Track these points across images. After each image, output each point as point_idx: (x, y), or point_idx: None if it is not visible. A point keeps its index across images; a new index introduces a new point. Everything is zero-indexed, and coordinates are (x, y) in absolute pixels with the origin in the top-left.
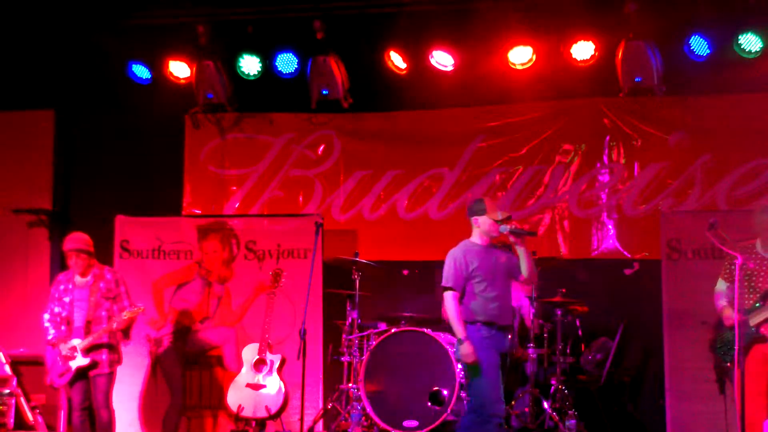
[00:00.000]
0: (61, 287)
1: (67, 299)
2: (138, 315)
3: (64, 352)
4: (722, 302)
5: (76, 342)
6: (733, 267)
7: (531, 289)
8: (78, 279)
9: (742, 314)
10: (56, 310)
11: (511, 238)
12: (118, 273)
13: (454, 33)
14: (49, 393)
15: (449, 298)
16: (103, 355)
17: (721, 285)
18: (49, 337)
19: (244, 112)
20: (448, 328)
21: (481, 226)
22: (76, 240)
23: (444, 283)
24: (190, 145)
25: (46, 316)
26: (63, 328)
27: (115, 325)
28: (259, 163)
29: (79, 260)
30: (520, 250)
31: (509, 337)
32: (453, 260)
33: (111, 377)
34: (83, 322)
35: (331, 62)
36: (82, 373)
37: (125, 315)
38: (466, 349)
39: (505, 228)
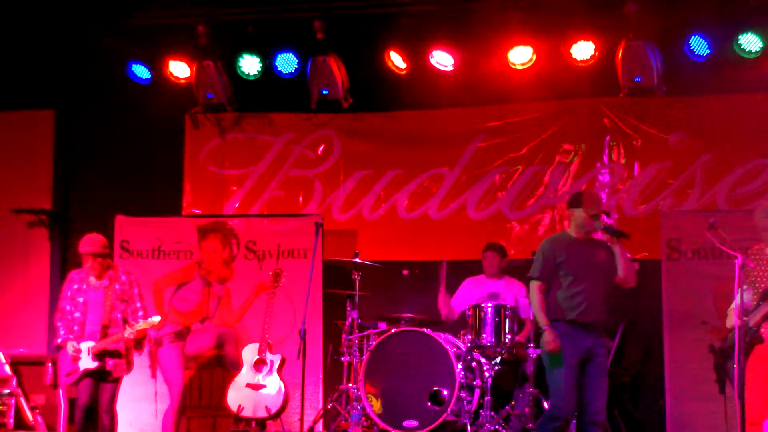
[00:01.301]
0: (75, 286)
1: (80, 299)
2: (152, 327)
3: (72, 352)
4: (732, 305)
5: (89, 344)
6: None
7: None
8: (92, 280)
9: (744, 315)
10: (68, 308)
11: (604, 236)
12: (133, 274)
13: (454, 33)
14: (49, 393)
15: (532, 288)
16: (114, 361)
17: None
18: (59, 340)
19: (244, 112)
20: (448, 328)
21: (575, 220)
22: (93, 243)
23: (529, 273)
24: (190, 145)
25: (58, 315)
26: (76, 328)
27: (127, 335)
28: (259, 163)
29: (95, 264)
30: (615, 249)
31: (596, 336)
32: (540, 251)
33: (118, 383)
34: (99, 325)
35: (331, 62)
36: (88, 375)
37: (141, 325)
38: (546, 336)
39: (598, 224)
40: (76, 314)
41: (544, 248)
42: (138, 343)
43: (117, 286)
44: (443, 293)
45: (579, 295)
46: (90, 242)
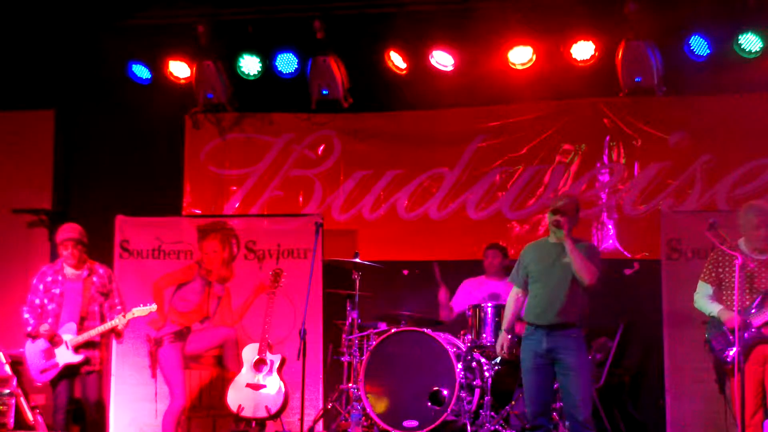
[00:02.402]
0: (48, 279)
1: (56, 291)
2: (146, 315)
3: (44, 332)
4: (714, 306)
5: (67, 337)
6: (720, 269)
7: None
8: (69, 271)
9: (742, 315)
10: (37, 302)
11: (553, 228)
12: (109, 269)
13: (454, 33)
14: (49, 393)
15: (510, 293)
16: (96, 353)
17: (705, 289)
18: (29, 329)
19: (244, 112)
20: (448, 328)
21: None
22: (72, 230)
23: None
24: (190, 145)
25: (26, 308)
26: (50, 320)
27: (121, 326)
28: (259, 163)
29: (75, 251)
30: (566, 243)
31: (557, 337)
32: (520, 257)
33: (101, 375)
34: (76, 316)
35: (331, 62)
36: (68, 370)
37: (136, 312)
38: (498, 340)
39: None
40: (51, 306)
41: (521, 253)
42: (119, 333)
43: (95, 279)
44: (444, 292)
45: (537, 297)
46: (68, 229)
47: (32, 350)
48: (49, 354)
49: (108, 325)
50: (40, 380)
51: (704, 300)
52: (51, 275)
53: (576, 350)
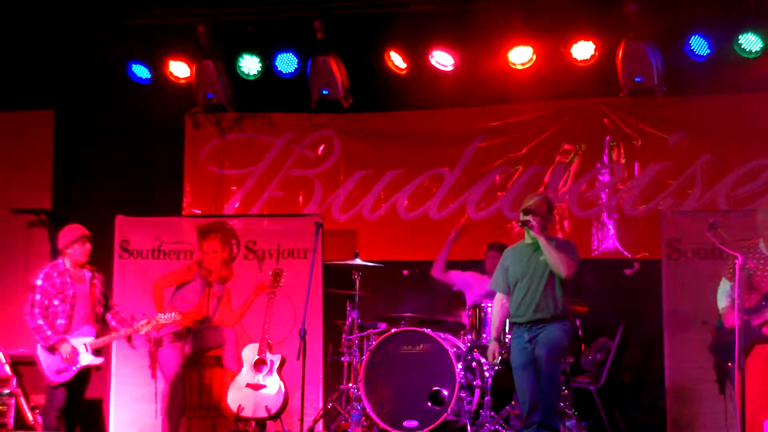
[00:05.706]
0: (58, 280)
1: (70, 292)
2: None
3: (66, 355)
4: (725, 303)
5: (85, 340)
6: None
7: None
8: (74, 272)
9: (744, 314)
10: (47, 302)
11: (525, 228)
12: (100, 272)
13: (454, 33)
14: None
15: (494, 300)
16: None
17: (725, 285)
18: (50, 341)
19: (244, 112)
20: (448, 328)
21: None
22: (82, 227)
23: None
24: (190, 145)
25: (36, 311)
26: (62, 322)
27: (143, 331)
28: (259, 163)
29: (90, 246)
30: (540, 240)
31: (536, 335)
32: (499, 263)
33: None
34: (91, 319)
35: (331, 62)
36: (84, 372)
37: (161, 319)
38: (489, 349)
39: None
40: (63, 307)
41: (500, 260)
42: (131, 338)
43: (96, 281)
44: (444, 256)
45: (518, 298)
46: (78, 227)
47: (49, 353)
48: (72, 355)
49: (130, 330)
50: (56, 380)
51: (721, 295)
52: (59, 277)
53: (548, 344)
